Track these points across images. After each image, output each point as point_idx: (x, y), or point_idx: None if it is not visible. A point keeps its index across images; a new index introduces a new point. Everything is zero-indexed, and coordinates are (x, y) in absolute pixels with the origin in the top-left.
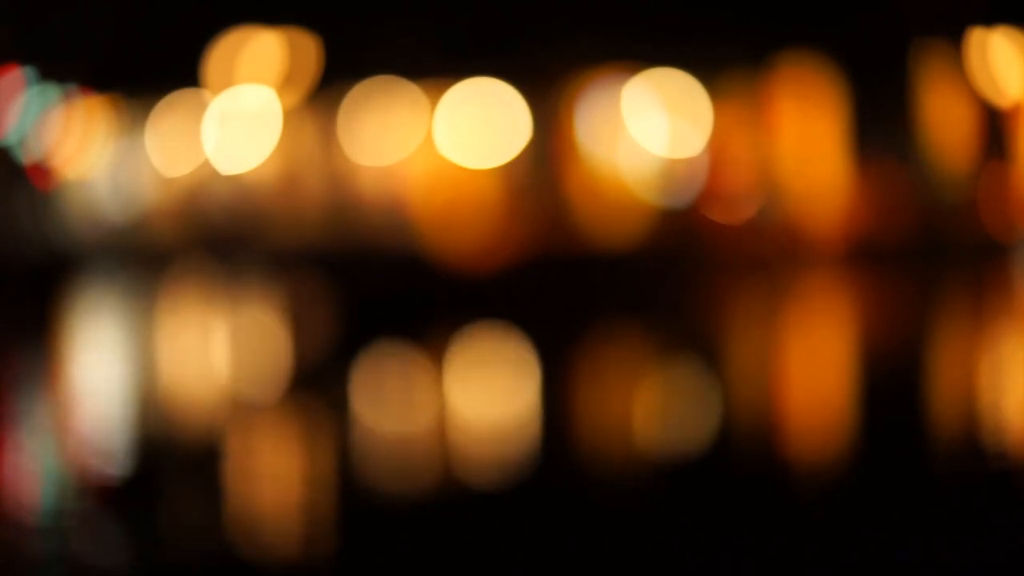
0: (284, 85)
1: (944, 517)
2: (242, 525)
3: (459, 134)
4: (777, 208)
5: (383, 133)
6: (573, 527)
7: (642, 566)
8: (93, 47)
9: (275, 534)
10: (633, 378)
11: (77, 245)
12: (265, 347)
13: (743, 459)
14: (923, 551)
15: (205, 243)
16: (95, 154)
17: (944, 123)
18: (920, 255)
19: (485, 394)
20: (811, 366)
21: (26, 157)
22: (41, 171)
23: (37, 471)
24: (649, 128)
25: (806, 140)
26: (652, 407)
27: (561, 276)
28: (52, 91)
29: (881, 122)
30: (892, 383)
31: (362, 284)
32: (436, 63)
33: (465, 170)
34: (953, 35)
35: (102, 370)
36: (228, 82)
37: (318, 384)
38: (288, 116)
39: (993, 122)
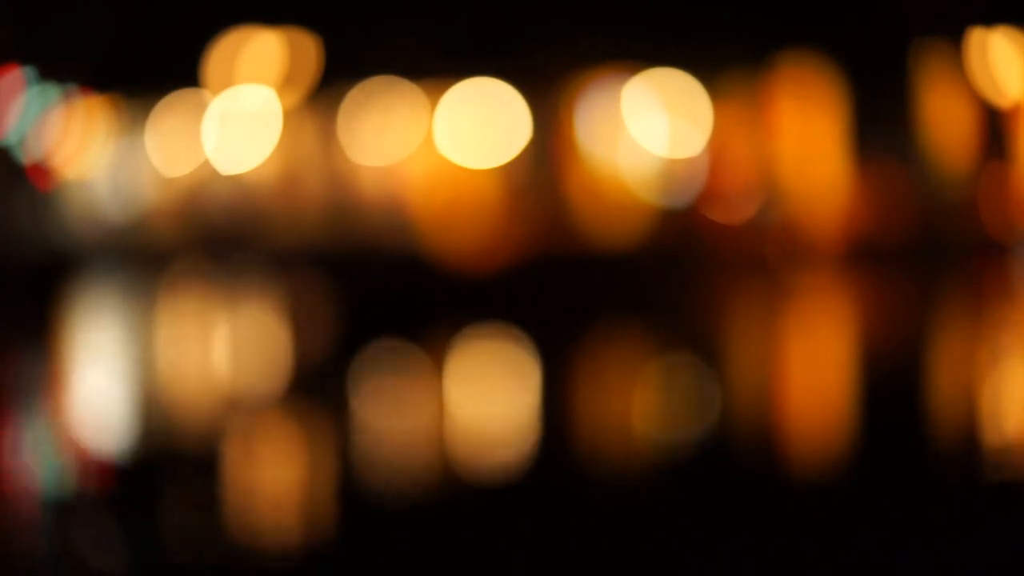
0: (284, 85)
1: (944, 517)
2: (242, 525)
3: (459, 134)
4: (777, 208)
5: (383, 133)
6: (573, 527)
7: (642, 566)
8: (93, 47)
9: (275, 534)
10: (633, 378)
11: (77, 245)
12: (265, 347)
13: (743, 459)
14: (923, 551)
15: (205, 243)
16: (95, 154)
17: (944, 123)
18: (920, 255)
19: (485, 394)
20: (811, 366)
21: (26, 157)
22: (41, 171)
23: (37, 471)
24: (649, 128)
25: (806, 140)
26: (652, 407)
27: (561, 276)
28: (52, 91)
29: (881, 122)
30: (892, 383)
31: (362, 284)
32: (436, 63)
33: (465, 170)
34: (953, 35)
35: (102, 370)
36: (228, 82)
37: (318, 384)
38: (288, 116)
39: (993, 122)
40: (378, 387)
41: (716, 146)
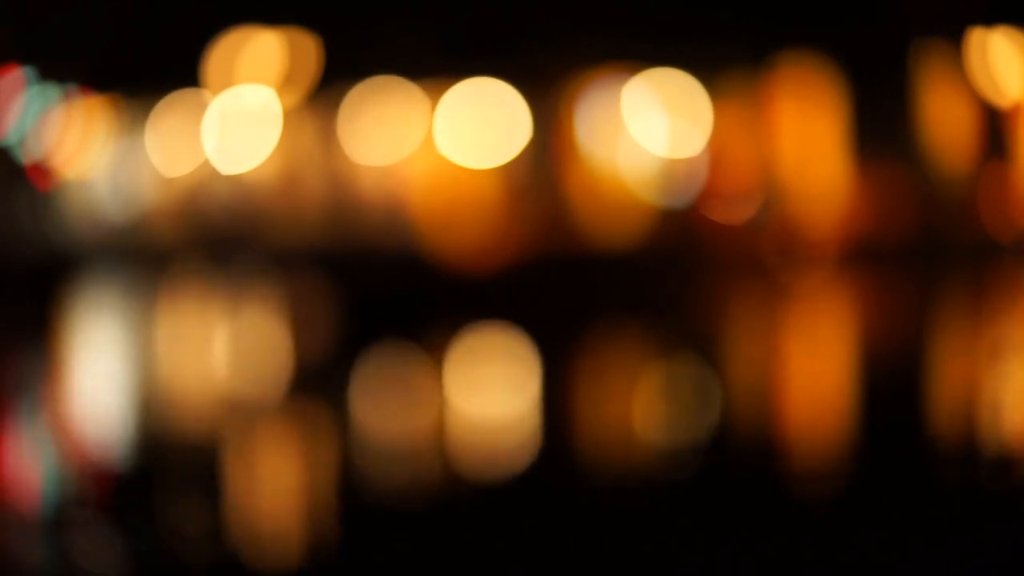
0: (284, 85)
1: (944, 518)
2: (242, 526)
3: (459, 134)
4: (777, 208)
5: (383, 133)
6: (573, 527)
7: (642, 566)
8: (93, 47)
9: (275, 534)
10: (633, 378)
11: (77, 245)
12: (265, 347)
13: (743, 459)
14: (923, 551)
15: (205, 243)
16: (95, 154)
17: (944, 123)
18: (920, 255)
19: (485, 394)
20: (811, 366)
21: (26, 157)
22: (41, 171)
23: (37, 472)
24: (649, 128)
25: (806, 140)
26: (652, 407)
27: (561, 276)
28: (52, 91)
29: (881, 122)
30: (892, 383)
31: (362, 284)
32: (436, 63)
33: (465, 170)
34: (953, 35)
35: (102, 370)
36: (228, 82)
37: (318, 384)
38: (288, 116)
39: (993, 122)
40: (378, 387)
41: (716, 146)
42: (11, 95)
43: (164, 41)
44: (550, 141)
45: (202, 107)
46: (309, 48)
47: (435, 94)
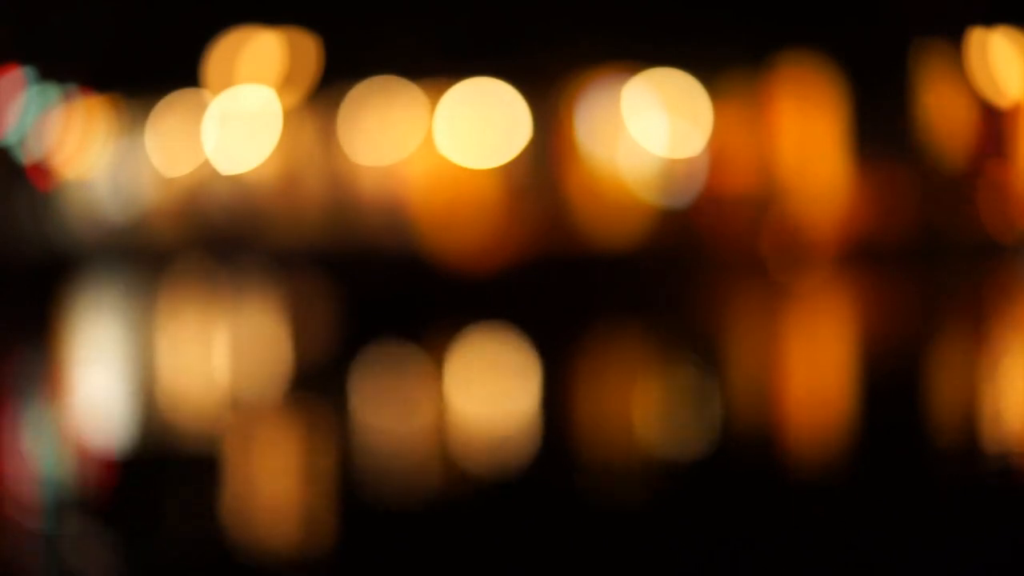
0: (284, 85)
1: (944, 517)
2: (243, 526)
3: (459, 134)
4: (777, 208)
5: (383, 133)
6: (573, 527)
7: (642, 566)
8: (93, 47)
9: (276, 534)
10: (633, 378)
11: (77, 245)
12: (265, 347)
13: (743, 459)
14: (923, 551)
15: (205, 243)
16: (95, 154)
17: (944, 123)
18: (920, 255)
19: (485, 394)
20: (811, 366)
21: (26, 157)
22: (41, 171)
23: (37, 472)
24: (649, 128)
25: (806, 140)
26: (652, 407)
27: (561, 276)
28: (52, 91)
29: (881, 122)
30: (892, 383)
31: (362, 284)
32: (436, 63)
33: (465, 170)
34: (953, 35)
35: (102, 370)
36: (228, 82)
37: (318, 384)
38: (288, 116)
39: (993, 122)
40: (378, 387)
41: (716, 146)
42: (11, 95)
43: (164, 41)
44: (550, 141)
45: (202, 107)
46: (309, 48)
47: (435, 94)
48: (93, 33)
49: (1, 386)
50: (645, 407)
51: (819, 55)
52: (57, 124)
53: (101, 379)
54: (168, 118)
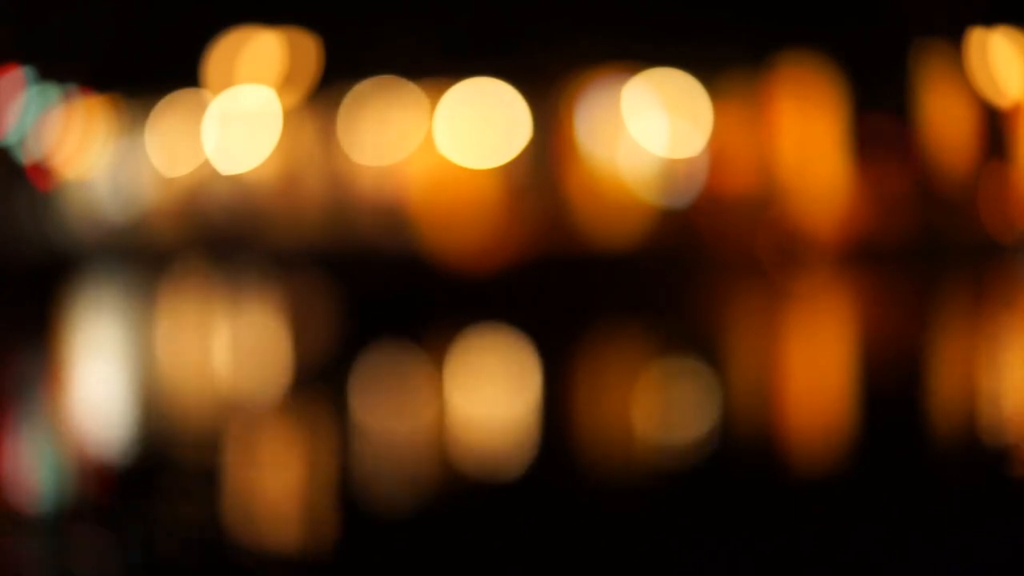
0: (284, 85)
1: (944, 516)
2: (243, 526)
3: (459, 134)
4: (777, 208)
5: (383, 133)
6: (574, 527)
7: (642, 566)
8: (93, 47)
9: (276, 535)
10: (633, 378)
11: (77, 245)
12: (265, 347)
13: (743, 458)
14: (923, 550)
15: (205, 243)
16: (95, 154)
17: (944, 123)
18: (920, 255)
19: (485, 394)
20: (811, 366)
21: (26, 157)
22: (41, 171)
23: (37, 472)
24: (649, 128)
25: (806, 140)
26: (652, 407)
27: (561, 276)
28: (52, 91)
29: (881, 122)
30: (892, 383)
31: (362, 284)
32: (436, 63)
33: (465, 170)
34: (953, 35)
35: (102, 370)
36: (228, 82)
37: (318, 384)
38: (288, 116)
39: (993, 122)
40: (378, 387)
41: (716, 146)
42: (11, 95)
43: (164, 41)
44: (550, 141)
45: (202, 107)
46: (309, 48)
47: (435, 94)
48: (93, 33)
49: (1, 386)
50: (645, 407)
51: (819, 55)
52: (57, 124)
53: (101, 379)
54: (168, 118)
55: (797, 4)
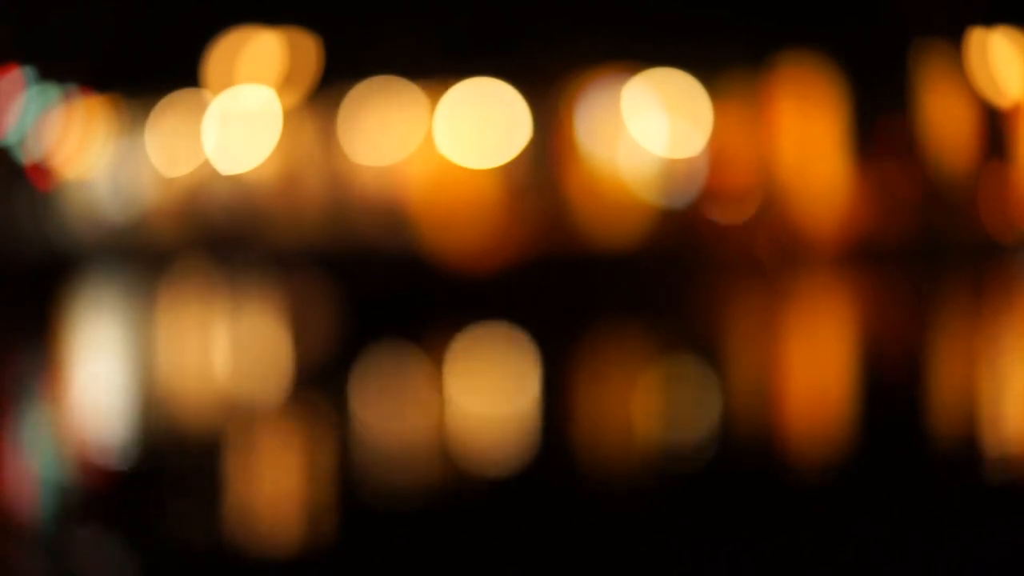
0: (284, 85)
1: (944, 516)
2: (243, 526)
3: (459, 134)
4: (777, 208)
5: (383, 133)
6: (574, 527)
7: (642, 566)
8: (93, 47)
9: (276, 535)
10: (633, 378)
11: (77, 245)
12: (265, 347)
13: (743, 458)
14: (923, 550)
15: (205, 243)
16: (95, 154)
17: (944, 123)
18: (920, 255)
19: (485, 394)
20: (811, 366)
21: (26, 157)
22: (41, 171)
23: (37, 472)
24: (649, 128)
25: (806, 140)
26: (652, 407)
27: (561, 276)
28: (52, 91)
29: (881, 122)
30: (892, 383)
31: (362, 284)
32: (436, 63)
33: (465, 170)
34: (953, 35)
35: (102, 370)
36: (228, 82)
37: (318, 384)
38: (288, 116)
39: (993, 122)
40: (378, 387)
41: (716, 146)
42: (11, 95)
43: (164, 41)
44: (550, 141)
45: (202, 107)
46: (309, 48)
47: (435, 94)
48: (93, 33)
49: (1, 386)
50: (645, 407)
51: (819, 55)
52: (57, 124)
53: (101, 379)
54: (168, 118)
55: (797, 4)
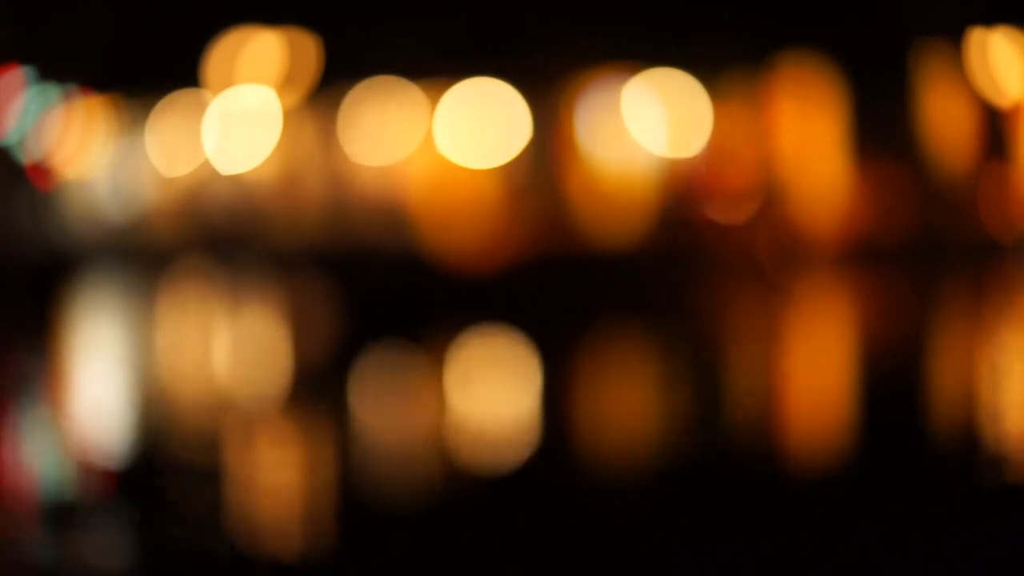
0: (284, 85)
1: (944, 516)
2: (243, 527)
3: (459, 134)
4: (777, 208)
5: (383, 133)
6: (573, 526)
7: (641, 566)
8: (93, 47)
9: (276, 536)
10: (633, 378)
11: (77, 245)
12: (265, 347)
13: (743, 458)
14: (923, 550)
15: (205, 243)
16: (95, 154)
17: (944, 123)
18: (920, 255)
19: (485, 394)
20: (811, 366)
21: (26, 157)
22: (41, 171)
23: (37, 472)
24: (649, 128)
25: (806, 140)
26: (652, 407)
27: (561, 276)
28: (52, 91)
29: (881, 122)
30: (892, 383)
31: (362, 284)
32: (436, 63)
33: (465, 170)
34: (953, 35)
35: (102, 371)
36: (228, 82)
37: (318, 384)
38: (288, 116)
39: (993, 122)
40: (378, 387)
41: (716, 146)
42: (11, 95)
43: (164, 41)
44: (550, 141)
45: (202, 107)
46: (309, 48)
47: (435, 94)
48: (93, 33)
49: (1, 386)
50: (645, 407)
51: (819, 55)
52: (57, 124)
53: (101, 379)
54: (168, 118)
55: (797, 4)
